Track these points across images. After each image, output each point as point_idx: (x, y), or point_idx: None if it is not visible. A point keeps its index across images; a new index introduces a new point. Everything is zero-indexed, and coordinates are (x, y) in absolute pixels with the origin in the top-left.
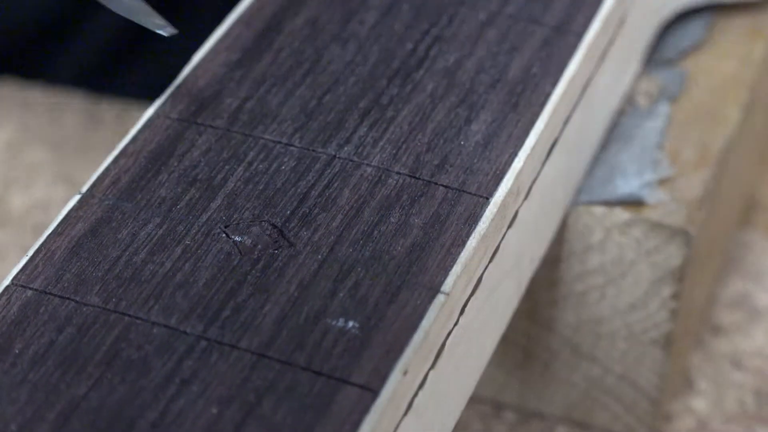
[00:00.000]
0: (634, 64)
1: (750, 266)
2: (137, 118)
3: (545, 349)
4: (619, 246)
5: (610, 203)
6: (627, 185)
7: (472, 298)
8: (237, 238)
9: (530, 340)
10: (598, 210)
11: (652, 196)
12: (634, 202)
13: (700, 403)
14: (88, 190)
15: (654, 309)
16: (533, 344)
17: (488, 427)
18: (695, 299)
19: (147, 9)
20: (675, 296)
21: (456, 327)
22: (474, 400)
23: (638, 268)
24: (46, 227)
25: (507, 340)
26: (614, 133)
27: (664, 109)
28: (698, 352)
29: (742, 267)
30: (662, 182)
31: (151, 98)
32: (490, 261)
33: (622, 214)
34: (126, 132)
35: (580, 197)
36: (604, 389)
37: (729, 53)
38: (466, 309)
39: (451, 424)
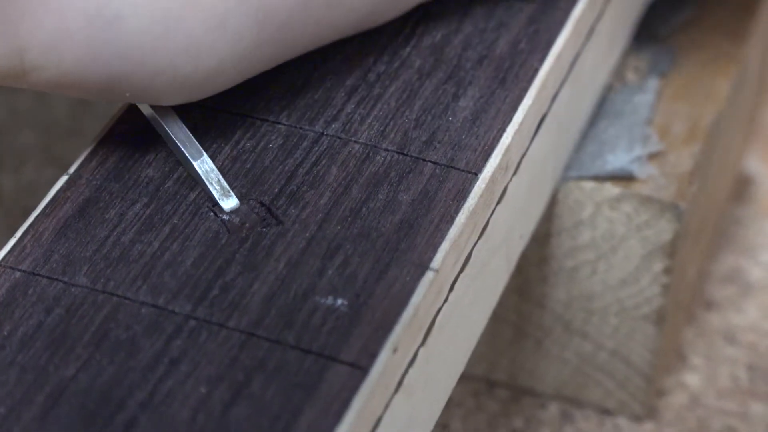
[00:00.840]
0: (622, 40)
1: (741, 241)
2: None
3: (537, 326)
4: (609, 221)
5: (600, 178)
6: (617, 160)
7: (462, 275)
8: (225, 217)
9: (521, 317)
10: (588, 185)
11: (642, 171)
12: (624, 177)
13: (693, 379)
14: (75, 170)
15: (645, 284)
16: (524, 321)
17: (481, 404)
18: (687, 274)
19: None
20: (666, 271)
21: (446, 304)
22: (466, 377)
23: (629, 243)
24: (35, 209)
25: (498, 318)
26: (603, 108)
27: (653, 84)
28: (691, 327)
29: (733, 242)
30: (652, 157)
31: None
32: (479, 237)
33: (612, 189)
34: (115, 114)
35: (570, 172)
36: (597, 365)
37: (718, 28)
38: (456, 285)
39: (443, 401)
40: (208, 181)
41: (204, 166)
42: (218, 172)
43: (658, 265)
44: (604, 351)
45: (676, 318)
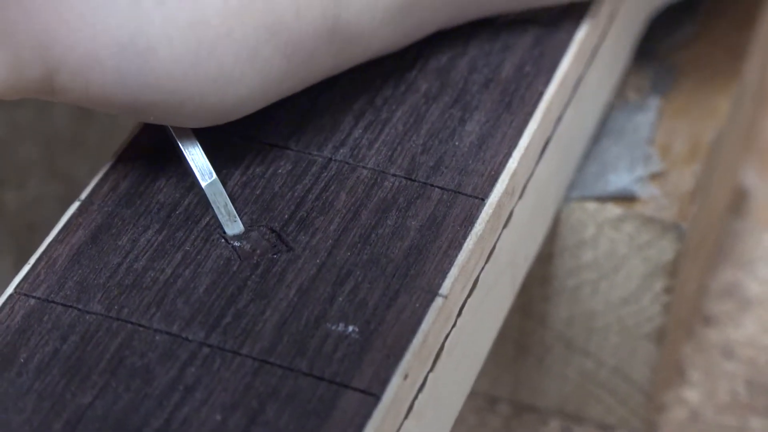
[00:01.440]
0: (624, 59)
1: (739, 255)
2: None
3: (539, 343)
4: (611, 241)
5: (603, 198)
6: (619, 180)
7: (469, 299)
8: (236, 243)
9: (524, 335)
10: (591, 205)
11: (643, 191)
12: (626, 197)
13: (692, 394)
14: (87, 197)
15: (646, 303)
16: (527, 339)
17: (483, 420)
18: (686, 291)
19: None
20: (667, 290)
21: (454, 329)
22: (468, 394)
23: (631, 262)
24: (40, 225)
25: (501, 335)
26: (605, 127)
27: (654, 102)
28: (689, 342)
29: (731, 256)
30: (654, 177)
31: None
32: (486, 262)
33: (614, 209)
34: (118, 126)
35: (573, 193)
36: (598, 382)
37: (718, 44)
38: (464, 310)
39: (450, 423)
40: (215, 205)
41: (212, 188)
42: (227, 196)
43: (659, 285)
44: (605, 368)
45: (676, 334)
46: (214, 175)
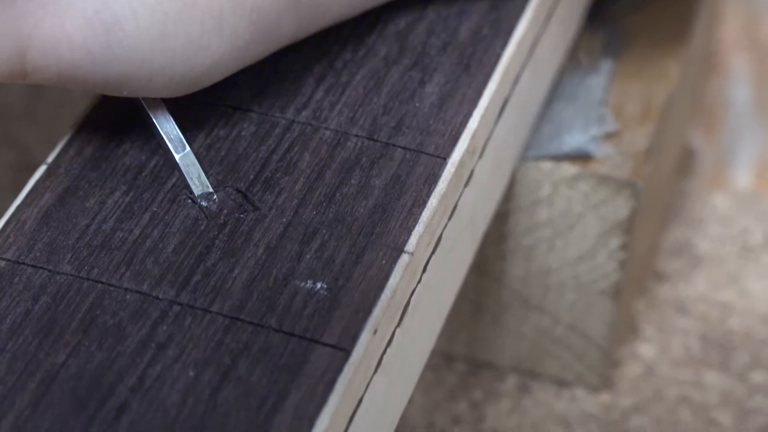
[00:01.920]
0: (576, 22)
1: (688, 215)
2: None
3: (495, 301)
4: (567, 199)
5: (558, 158)
6: (573, 140)
7: (433, 256)
8: (203, 203)
9: (480, 293)
10: (546, 165)
11: (598, 151)
12: (581, 157)
13: (647, 350)
14: (53, 160)
15: (602, 260)
16: (483, 297)
17: (440, 378)
18: (640, 249)
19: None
20: (623, 247)
21: (419, 285)
22: None
23: (586, 220)
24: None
25: (457, 294)
26: (558, 90)
27: (606, 65)
28: (642, 299)
29: (680, 215)
30: (608, 137)
31: None
32: (449, 219)
33: (569, 168)
34: (69, 96)
35: (528, 153)
36: (554, 339)
37: (667, 8)
38: (428, 267)
39: (415, 378)
40: (189, 176)
41: (186, 160)
42: (200, 167)
43: (615, 242)
44: (561, 325)
45: (630, 291)
46: (187, 147)
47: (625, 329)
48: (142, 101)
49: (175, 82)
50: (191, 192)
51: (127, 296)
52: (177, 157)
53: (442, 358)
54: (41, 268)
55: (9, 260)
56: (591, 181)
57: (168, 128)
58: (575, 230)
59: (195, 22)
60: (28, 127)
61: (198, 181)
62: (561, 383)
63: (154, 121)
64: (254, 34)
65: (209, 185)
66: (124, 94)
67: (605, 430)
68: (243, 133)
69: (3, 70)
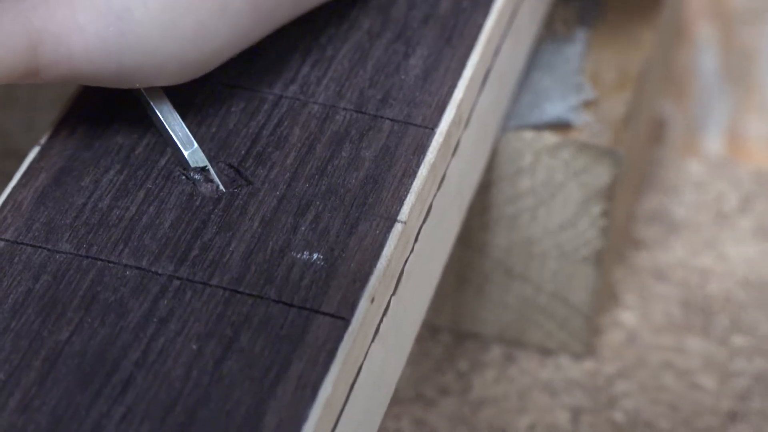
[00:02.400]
0: None
1: (664, 182)
2: None
3: (478, 271)
4: (548, 168)
5: (539, 127)
6: (553, 109)
7: (424, 226)
8: (197, 177)
9: (463, 264)
10: (527, 134)
11: (578, 119)
12: (561, 125)
13: (628, 317)
14: (46, 141)
15: (584, 227)
16: (466, 268)
17: (425, 349)
18: (618, 216)
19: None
20: (604, 214)
21: (412, 254)
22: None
23: (568, 188)
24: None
25: None
26: (536, 60)
27: (581, 34)
28: (622, 266)
29: (655, 183)
30: (586, 105)
31: None
32: (438, 189)
33: (550, 137)
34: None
35: (509, 123)
36: (537, 308)
37: None
38: (420, 236)
39: (409, 347)
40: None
41: (195, 156)
42: (208, 161)
43: (596, 209)
44: (544, 293)
45: (610, 259)
46: (195, 144)
47: (606, 297)
48: (149, 98)
49: (186, 68)
50: (184, 168)
51: (127, 272)
52: (186, 154)
53: (427, 330)
54: (40, 247)
55: (8, 240)
56: (572, 150)
57: (175, 126)
58: (557, 198)
59: (203, 7)
60: (7, 113)
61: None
62: (545, 352)
63: (161, 119)
64: (256, 16)
65: (217, 178)
66: (137, 85)
67: (590, 396)
68: (233, 110)
69: (16, 67)
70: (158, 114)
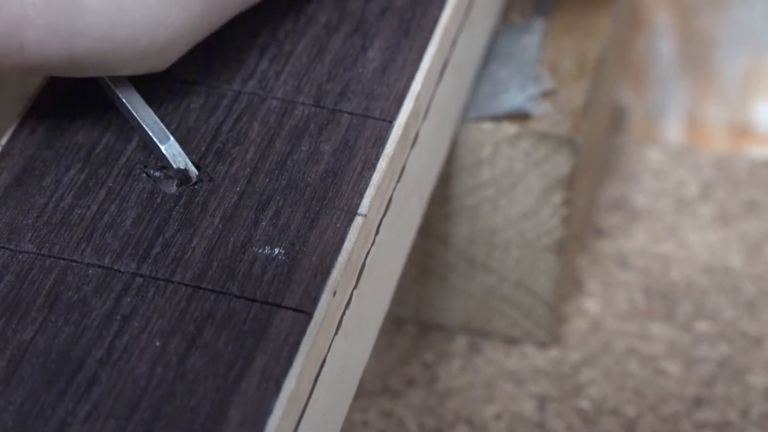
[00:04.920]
0: None
1: (624, 169)
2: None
3: (441, 262)
4: (508, 158)
5: (498, 118)
6: (512, 99)
7: (385, 218)
8: (157, 174)
9: (426, 255)
10: (487, 125)
11: (537, 108)
12: (520, 116)
13: (591, 304)
14: (7, 142)
15: (546, 216)
16: (429, 259)
17: (391, 341)
18: (579, 205)
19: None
20: (565, 203)
21: (373, 246)
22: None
23: (528, 178)
24: None
25: None
26: (494, 51)
27: (538, 24)
28: (584, 255)
29: (615, 171)
30: (545, 94)
31: None
32: (397, 181)
33: (509, 128)
34: (40, 83)
35: (469, 114)
36: (501, 297)
37: None
38: (380, 228)
39: (373, 340)
40: (176, 164)
41: (171, 150)
42: (185, 155)
43: (557, 198)
44: (507, 283)
45: (572, 247)
46: (171, 137)
47: (570, 285)
48: (120, 95)
49: (140, 57)
50: (145, 165)
51: (90, 271)
52: (162, 148)
53: (392, 322)
54: (2, 247)
55: None
56: (531, 139)
57: (149, 121)
58: (518, 188)
59: None
60: None
61: (184, 167)
62: (510, 341)
63: (135, 115)
64: (208, 4)
65: (196, 170)
66: (91, 72)
67: (556, 384)
68: (192, 106)
69: None
70: (132, 110)
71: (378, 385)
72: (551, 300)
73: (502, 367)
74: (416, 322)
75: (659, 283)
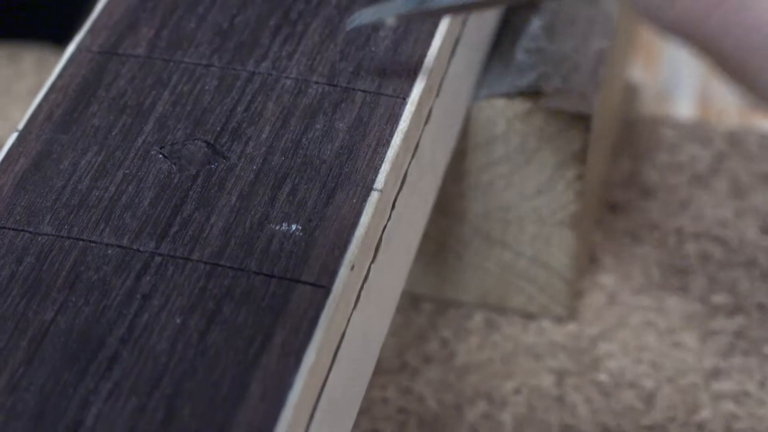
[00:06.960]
0: None
1: (636, 145)
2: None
3: (457, 239)
4: (521, 134)
5: (510, 95)
6: (524, 77)
7: (400, 194)
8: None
9: (441, 232)
10: (500, 102)
11: (548, 85)
12: (532, 92)
13: (607, 279)
14: (24, 127)
15: (560, 191)
16: (445, 236)
17: (408, 319)
18: (594, 179)
19: None
20: (579, 177)
21: (389, 222)
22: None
23: (542, 153)
24: None
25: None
26: (505, 28)
27: (548, 2)
28: (599, 230)
29: (629, 147)
30: (557, 70)
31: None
32: (412, 157)
33: (522, 104)
34: (53, 70)
35: (481, 92)
36: (517, 273)
37: None
38: (396, 204)
39: (390, 315)
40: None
41: None
42: None
43: (571, 173)
44: (523, 258)
45: (587, 222)
46: None
47: (585, 260)
48: None
49: None
50: (160, 147)
51: (109, 251)
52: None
53: (409, 300)
54: (22, 230)
55: None
56: (544, 115)
57: None
58: (532, 164)
59: None
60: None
61: None
62: (527, 316)
63: None
64: None
65: None
66: None
67: (574, 358)
68: (206, 88)
69: None
70: None
71: (396, 363)
72: (567, 275)
73: (520, 343)
74: (433, 299)
75: (674, 256)
